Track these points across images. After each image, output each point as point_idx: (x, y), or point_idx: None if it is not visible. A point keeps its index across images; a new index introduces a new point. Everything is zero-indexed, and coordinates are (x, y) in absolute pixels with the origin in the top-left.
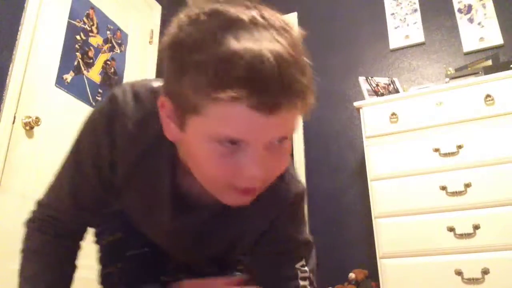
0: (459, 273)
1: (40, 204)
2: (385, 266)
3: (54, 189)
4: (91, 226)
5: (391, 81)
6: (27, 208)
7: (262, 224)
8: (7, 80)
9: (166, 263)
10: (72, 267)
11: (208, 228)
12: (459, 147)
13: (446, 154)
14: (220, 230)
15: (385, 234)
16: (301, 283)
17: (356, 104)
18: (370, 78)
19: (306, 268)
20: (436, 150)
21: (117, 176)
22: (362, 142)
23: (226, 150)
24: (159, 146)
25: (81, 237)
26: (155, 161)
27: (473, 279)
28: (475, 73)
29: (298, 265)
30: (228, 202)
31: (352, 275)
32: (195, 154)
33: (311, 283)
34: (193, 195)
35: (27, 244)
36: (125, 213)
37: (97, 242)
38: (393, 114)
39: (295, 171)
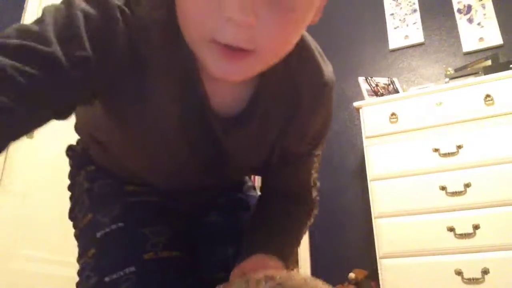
0: (459, 273)
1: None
2: (385, 266)
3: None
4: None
5: (391, 81)
6: (27, 208)
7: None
8: None
9: (144, 240)
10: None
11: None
12: (459, 147)
13: (446, 154)
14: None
15: (385, 234)
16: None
17: (356, 104)
18: (369, 78)
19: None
20: (436, 150)
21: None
22: (362, 142)
23: None
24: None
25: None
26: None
27: (473, 279)
28: (474, 73)
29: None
30: (214, 69)
31: (352, 275)
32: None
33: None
34: (216, 101)
35: None
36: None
37: (74, 227)
38: (393, 114)
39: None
